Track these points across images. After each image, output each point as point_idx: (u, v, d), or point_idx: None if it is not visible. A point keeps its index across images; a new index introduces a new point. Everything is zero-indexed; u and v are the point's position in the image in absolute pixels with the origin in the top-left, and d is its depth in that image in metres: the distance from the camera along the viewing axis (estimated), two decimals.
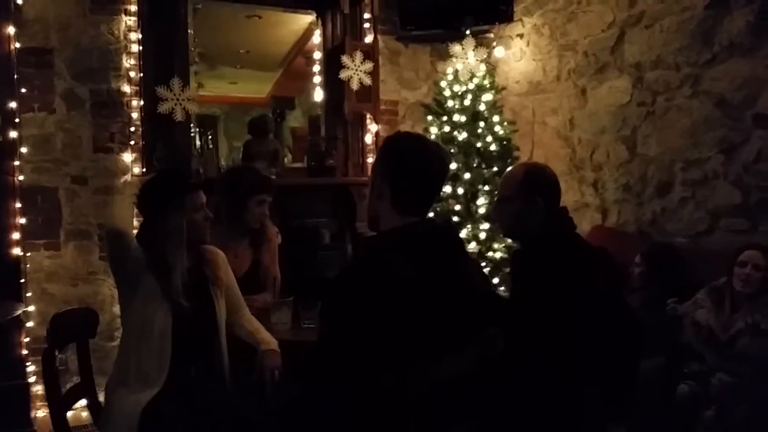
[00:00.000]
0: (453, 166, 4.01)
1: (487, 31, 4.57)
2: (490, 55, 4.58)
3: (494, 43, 4.66)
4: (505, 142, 4.12)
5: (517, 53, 4.73)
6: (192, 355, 2.26)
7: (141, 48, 4.03)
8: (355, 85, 4.36)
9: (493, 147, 4.03)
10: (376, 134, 4.60)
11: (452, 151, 4.13)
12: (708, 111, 3.52)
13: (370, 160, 4.67)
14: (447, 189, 4.05)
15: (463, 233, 3.96)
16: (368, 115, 4.65)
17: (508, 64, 4.80)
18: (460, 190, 4.03)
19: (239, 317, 2.48)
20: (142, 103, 4.01)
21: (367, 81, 4.38)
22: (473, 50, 4.13)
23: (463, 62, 4.11)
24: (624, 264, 3.41)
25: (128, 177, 4.10)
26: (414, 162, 1.74)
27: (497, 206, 2.39)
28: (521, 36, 4.69)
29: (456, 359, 1.76)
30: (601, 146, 4.15)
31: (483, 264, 3.94)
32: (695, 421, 2.63)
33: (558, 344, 1.92)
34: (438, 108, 4.17)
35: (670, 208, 3.76)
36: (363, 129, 4.61)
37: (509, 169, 2.39)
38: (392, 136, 1.87)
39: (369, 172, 4.68)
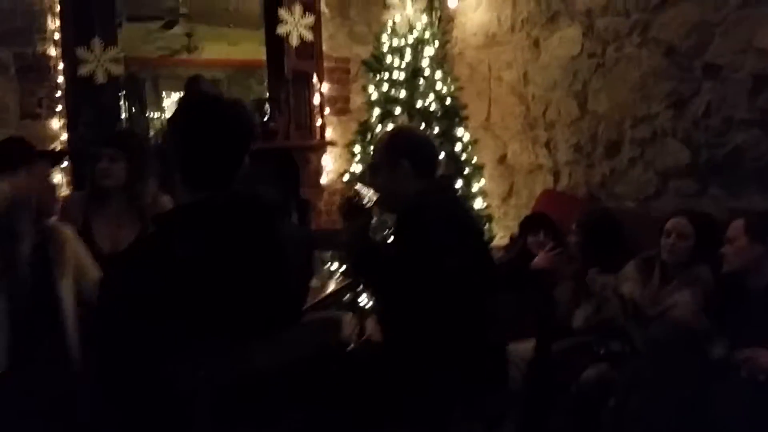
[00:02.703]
0: (389, 127, 3.74)
1: None
2: (442, 5, 4.26)
3: None
4: (449, 101, 3.83)
5: (473, 3, 4.38)
6: (33, 338, 2.12)
7: (61, 7, 3.83)
8: (294, 41, 4.10)
9: (433, 106, 3.74)
10: (322, 94, 4.35)
11: (396, 112, 3.86)
12: (657, 61, 3.18)
13: (320, 122, 4.45)
14: None
15: None
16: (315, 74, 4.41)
17: (466, 15, 4.46)
18: None
19: None
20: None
21: (309, 36, 4.12)
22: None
23: (401, 13, 3.80)
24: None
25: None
26: (196, 129, 1.51)
27: (369, 177, 2.19)
28: None
29: (271, 347, 1.57)
30: (553, 103, 3.83)
31: None
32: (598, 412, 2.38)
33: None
34: (376, 64, 3.88)
35: (619, 170, 3.46)
36: (309, 89, 4.36)
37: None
38: (180, 102, 1.66)
39: (317, 135, 4.48)
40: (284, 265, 1.64)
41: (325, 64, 4.50)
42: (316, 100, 4.40)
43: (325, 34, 4.47)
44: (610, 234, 3.03)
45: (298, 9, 4.01)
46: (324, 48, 4.46)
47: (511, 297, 2.17)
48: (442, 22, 4.43)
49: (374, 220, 2.46)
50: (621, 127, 3.41)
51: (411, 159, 2.03)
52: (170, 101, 5.51)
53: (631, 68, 3.32)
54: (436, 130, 3.76)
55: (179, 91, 4.96)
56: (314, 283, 2.73)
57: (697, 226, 2.57)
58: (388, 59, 3.80)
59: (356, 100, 4.47)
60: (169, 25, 5.45)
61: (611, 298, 2.73)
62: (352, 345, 2.64)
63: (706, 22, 2.92)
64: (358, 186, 2.16)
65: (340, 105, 4.55)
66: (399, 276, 1.95)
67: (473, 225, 2.05)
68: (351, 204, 2.17)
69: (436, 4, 4.40)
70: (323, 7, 4.44)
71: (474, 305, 1.88)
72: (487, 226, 3.98)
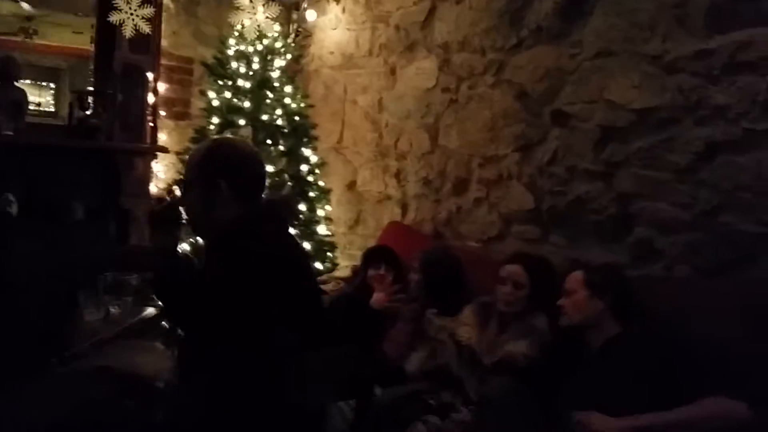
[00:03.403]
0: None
1: None
2: (299, 16, 4.02)
3: (304, 4, 4.09)
4: (297, 118, 3.56)
5: (333, 20, 4.18)
6: None
7: None
8: (128, 32, 3.63)
9: (279, 122, 3.46)
10: (155, 92, 3.89)
11: (241, 122, 3.52)
12: (508, 103, 3.13)
13: (152, 125, 3.98)
14: None
15: None
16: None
17: (324, 32, 4.24)
18: None
19: None
20: None
21: (145, 28, 3.66)
22: (263, 5, 3.50)
23: (251, 18, 3.49)
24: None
25: None
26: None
27: (182, 195, 1.85)
28: (338, 1, 4.14)
29: None
30: (406, 133, 3.70)
31: None
32: None
33: None
34: (219, 68, 3.53)
35: (465, 208, 3.37)
36: (141, 87, 3.89)
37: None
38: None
39: (146, 138, 4.00)
40: None
41: (166, 62, 4.06)
42: (150, 99, 3.93)
43: (167, 30, 4.04)
44: (450, 274, 2.90)
45: None
46: (164, 45, 4.02)
47: (331, 353, 1.91)
48: (299, 35, 4.20)
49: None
50: (469, 166, 3.34)
51: (230, 179, 1.72)
52: None
53: (482, 107, 3.25)
54: (281, 147, 3.48)
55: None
56: (113, 311, 2.31)
57: (533, 273, 2.49)
58: (234, 65, 3.46)
59: (198, 105, 4.07)
60: None
61: (447, 343, 2.58)
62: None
63: (559, 68, 2.91)
64: (174, 194, 1.83)
65: (179, 108, 4.13)
66: (198, 312, 1.63)
67: (298, 262, 1.78)
68: (160, 215, 1.83)
69: (294, 15, 4.17)
70: (168, 2, 4.02)
71: (278, 360, 1.60)
72: (330, 254, 3.75)
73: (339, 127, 4.15)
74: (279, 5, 3.56)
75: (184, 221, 1.84)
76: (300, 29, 4.17)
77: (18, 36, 4.90)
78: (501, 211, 3.19)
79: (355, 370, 2.06)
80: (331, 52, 4.19)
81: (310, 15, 4.11)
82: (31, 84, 4.18)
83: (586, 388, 2.13)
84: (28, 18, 4.98)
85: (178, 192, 1.85)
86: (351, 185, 4.06)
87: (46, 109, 4.07)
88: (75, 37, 4.88)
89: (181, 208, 1.83)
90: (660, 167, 2.57)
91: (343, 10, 4.10)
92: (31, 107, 3.91)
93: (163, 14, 4.00)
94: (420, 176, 3.60)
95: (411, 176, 3.67)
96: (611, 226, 2.73)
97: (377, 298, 2.93)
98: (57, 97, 4.18)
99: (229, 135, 3.39)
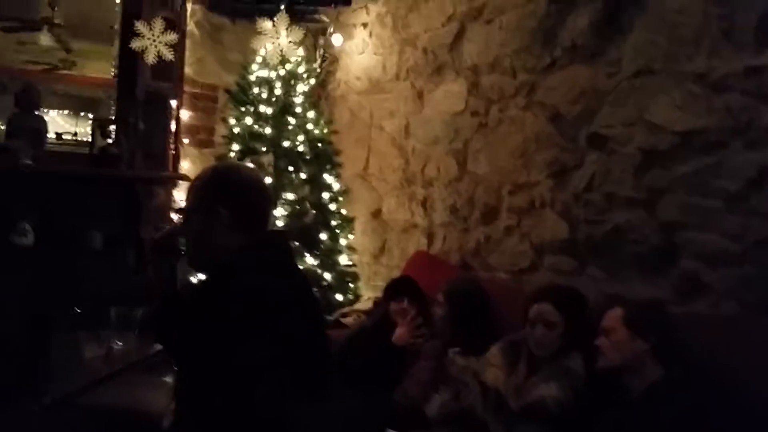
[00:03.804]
0: (250, 166, 3.29)
1: (316, 12, 3.86)
2: (326, 42, 3.93)
3: (330, 29, 4.00)
4: (320, 144, 3.44)
5: (360, 45, 4.07)
6: None
7: None
8: (151, 59, 3.58)
9: (301, 148, 3.33)
10: (178, 120, 3.82)
11: (263, 148, 3.42)
12: (541, 126, 2.95)
13: (174, 153, 3.92)
14: None
15: None
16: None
17: (351, 57, 4.14)
18: None
19: None
20: None
21: (168, 56, 3.61)
22: (287, 29, 3.41)
23: (274, 42, 3.40)
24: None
25: None
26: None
27: (182, 223, 1.72)
28: (365, 25, 4.04)
29: None
30: (433, 159, 3.54)
31: None
32: None
33: None
34: (241, 95, 3.44)
35: (494, 238, 3.17)
36: (166, 114, 3.84)
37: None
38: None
39: (170, 167, 3.94)
40: None
41: (190, 89, 4.01)
42: (173, 127, 3.87)
43: (192, 58, 4.00)
44: (478, 307, 2.70)
45: (158, 24, 3.51)
46: (189, 72, 3.98)
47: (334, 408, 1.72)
48: (326, 61, 4.11)
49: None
50: (499, 193, 3.15)
51: (232, 207, 1.58)
52: (49, 118, 4.84)
53: (513, 131, 3.07)
54: (303, 175, 3.35)
55: (59, 108, 4.29)
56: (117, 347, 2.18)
57: (566, 310, 2.27)
58: (255, 90, 3.37)
59: (222, 133, 3.99)
60: (32, 29, 4.74)
61: (471, 385, 2.37)
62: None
63: (595, 89, 2.72)
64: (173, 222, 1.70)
65: (203, 136, 4.05)
66: (193, 349, 1.48)
67: (304, 299, 1.61)
68: (158, 245, 1.70)
69: (321, 41, 4.08)
70: (193, 28, 3.98)
71: (269, 406, 1.43)
72: (352, 285, 3.59)
73: (365, 154, 4.02)
74: (303, 30, 3.46)
75: (183, 251, 1.71)
76: (326, 55, 4.08)
77: (59, 68, 4.96)
78: (533, 240, 2.98)
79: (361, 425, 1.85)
80: (358, 78, 4.08)
81: (337, 40, 4.02)
82: (69, 114, 4.19)
83: None
84: (67, 50, 5.06)
85: (177, 220, 1.71)
86: (376, 213, 3.91)
87: (83, 139, 4.02)
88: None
89: (180, 238, 1.71)
90: (707, 194, 2.35)
91: (370, 35, 3.99)
92: (68, 137, 3.90)
93: (188, 41, 3.97)
94: (447, 204, 3.43)
95: (438, 204, 3.49)
96: (653, 258, 2.51)
97: (399, 334, 2.75)
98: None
99: (249, 163, 3.29)
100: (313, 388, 1.54)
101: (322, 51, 4.05)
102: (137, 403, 2.20)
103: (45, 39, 5.00)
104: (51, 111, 4.82)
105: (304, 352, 1.51)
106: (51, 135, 3.77)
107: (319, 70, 4.08)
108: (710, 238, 2.35)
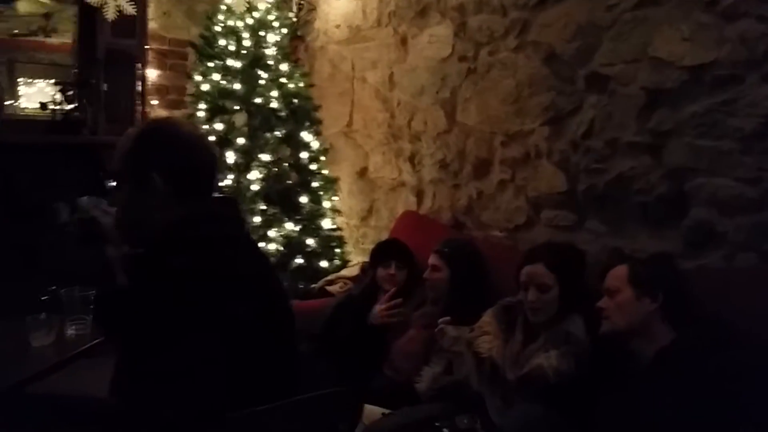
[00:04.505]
0: (219, 126, 3.03)
1: None
2: None
3: None
4: (296, 100, 3.18)
5: None
6: None
7: None
8: (111, 14, 3.29)
9: (275, 104, 3.07)
10: (143, 80, 3.55)
11: (236, 107, 3.15)
12: (535, 69, 2.68)
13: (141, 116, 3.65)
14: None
15: None
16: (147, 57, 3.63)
17: (329, 4, 3.84)
18: (231, 159, 3.05)
19: None
20: None
21: (129, 9, 3.32)
22: None
23: None
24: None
25: None
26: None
27: (113, 193, 1.49)
28: None
29: None
30: (420, 111, 3.27)
31: None
32: None
33: None
34: (207, 48, 3.16)
35: (487, 193, 2.94)
36: (131, 74, 3.57)
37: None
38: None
39: None
40: None
41: (157, 46, 3.74)
42: (139, 88, 3.61)
43: (157, 11, 3.71)
44: (474, 271, 2.49)
45: None
46: (155, 27, 3.70)
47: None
48: (302, 9, 3.81)
49: None
50: (491, 144, 2.90)
51: (166, 172, 1.34)
52: (28, 90, 4.55)
53: (505, 75, 2.81)
54: (279, 134, 3.09)
55: (39, 77, 4.00)
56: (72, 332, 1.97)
57: (560, 270, 2.05)
58: (222, 42, 3.09)
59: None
60: None
61: (465, 356, 2.17)
62: None
63: (594, 24, 2.45)
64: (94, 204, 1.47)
65: (173, 96, 3.79)
66: (128, 337, 1.27)
67: (259, 280, 1.38)
68: (84, 227, 1.48)
69: None
70: None
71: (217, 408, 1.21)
72: (338, 250, 3.37)
73: (348, 109, 3.75)
74: None
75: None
76: (302, 1, 3.78)
77: (38, 35, 4.66)
78: (529, 194, 2.74)
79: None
80: (337, 26, 3.79)
81: None
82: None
83: (634, 411, 1.72)
84: (46, 16, 4.75)
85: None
86: (362, 172, 3.66)
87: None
88: None
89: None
90: (719, 135, 2.11)
91: None
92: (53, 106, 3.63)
93: None
94: (436, 159, 3.18)
95: (426, 159, 3.25)
96: (661, 209, 2.27)
97: (374, 313, 2.54)
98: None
99: (218, 123, 3.04)
100: (274, 383, 1.32)
101: None
102: (86, 389, 1.99)
103: (23, 5, 4.70)
104: (37, 81, 4.57)
105: (259, 343, 1.29)
106: (35, 105, 3.49)
107: (295, 19, 3.78)
108: (723, 183, 2.11)
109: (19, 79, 4.64)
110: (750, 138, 2.04)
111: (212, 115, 3.07)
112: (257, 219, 3.01)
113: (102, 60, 3.38)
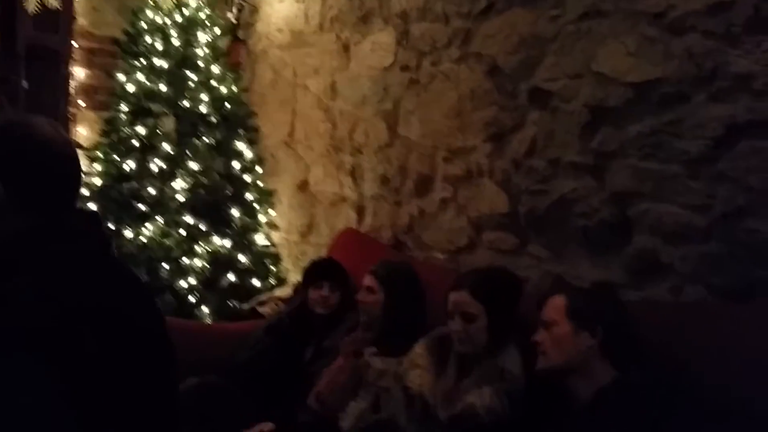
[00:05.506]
0: (142, 131, 2.82)
1: None
2: None
3: None
4: (228, 105, 2.98)
5: None
6: None
7: None
8: (31, 6, 3.06)
9: (204, 109, 2.87)
10: (66, 79, 3.31)
11: (165, 110, 2.94)
12: (477, 81, 2.53)
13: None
14: (131, 164, 2.83)
15: (150, 228, 2.77)
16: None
17: (272, 6, 3.65)
18: (155, 167, 2.83)
19: None
20: None
21: (53, 2, 3.09)
22: None
23: None
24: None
25: None
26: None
27: None
28: None
29: None
30: (361, 122, 3.10)
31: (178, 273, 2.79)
32: None
33: None
34: (131, 45, 2.94)
35: (429, 212, 2.77)
36: (56, 72, 3.32)
37: None
38: None
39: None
40: None
41: (86, 43, 3.49)
42: (69, 87, 3.37)
43: (87, 6, 3.47)
44: (410, 296, 2.32)
45: None
46: (84, 23, 3.46)
47: None
48: (242, 9, 3.62)
49: None
50: (434, 160, 2.74)
51: (9, 177, 1.14)
52: None
53: (447, 87, 2.66)
54: (206, 140, 2.89)
55: None
56: None
57: (486, 298, 1.90)
58: (148, 40, 2.88)
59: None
60: None
61: (393, 391, 2.00)
62: None
63: (537, 35, 2.31)
64: None
65: (102, 97, 3.54)
66: None
67: (123, 309, 1.17)
68: None
69: None
70: None
71: None
72: (273, 268, 3.17)
73: (290, 118, 3.56)
74: None
75: None
76: (243, 3, 3.58)
77: None
78: (470, 215, 2.59)
79: None
80: (279, 30, 3.60)
81: None
82: None
83: None
84: None
85: None
86: (303, 186, 3.47)
87: None
88: None
89: None
90: (665, 158, 1.97)
91: None
92: None
93: None
94: (377, 173, 3.01)
95: (368, 174, 3.08)
96: (604, 234, 2.13)
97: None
98: None
99: (141, 127, 2.82)
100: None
101: None
102: None
103: None
104: None
105: (120, 386, 1.09)
106: None
107: (235, 21, 3.59)
108: (670, 210, 1.98)
109: None
110: (697, 162, 1.92)
111: (134, 117, 2.85)
112: (182, 232, 2.80)
113: (22, 55, 3.12)
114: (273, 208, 3.27)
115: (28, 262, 1.09)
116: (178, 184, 2.80)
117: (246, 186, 3.04)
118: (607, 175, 2.11)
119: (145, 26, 2.92)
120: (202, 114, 2.88)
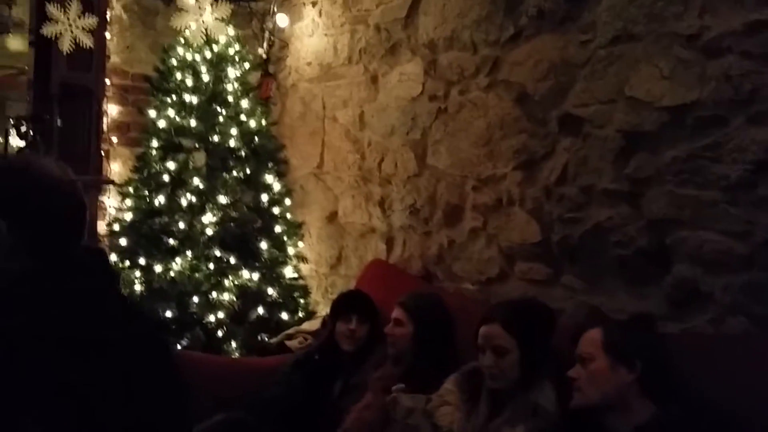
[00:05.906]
0: (172, 166, 2.84)
1: None
2: (273, 24, 3.50)
3: (273, 7, 3.54)
4: (257, 139, 2.99)
5: (309, 26, 3.61)
6: None
7: None
8: (65, 46, 3.14)
9: (233, 143, 2.88)
10: (99, 117, 3.37)
11: (196, 145, 2.96)
12: (506, 109, 2.49)
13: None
14: (161, 199, 2.85)
15: (179, 262, 2.77)
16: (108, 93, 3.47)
17: (301, 41, 3.69)
18: (184, 201, 2.84)
19: None
20: None
21: (87, 42, 3.17)
22: (212, 4, 2.95)
23: (197, 20, 2.94)
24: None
25: None
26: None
27: None
28: (314, 3, 3.58)
29: None
30: (390, 152, 3.08)
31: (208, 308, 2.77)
32: None
33: None
34: (162, 81, 2.98)
35: (459, 242, 2.72)
36: (89, 109, 3.39)
37: None
38: None
39: (97, 170, 3.49)
40: None
41: (120, 81, 3.56)
42: (102, 124, 3.43)
43: (120, 45, 3.55)
44: (441, 329, 2.26)
45: (74, 7, 3.07)
46: (117, 61, 3.54)
47: None
48: (273, 45, 3.66)
49: None
50: (463, 189, 2.69)
51: (11, 219, 1.14)
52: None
53: (476, 116, 2.62)
54: (235, 173, 2.90)
55: None
56: None
57: (519, 331, 1.83)
58: (179, 76, 2.92)
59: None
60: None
61: (422, 429, 1.92)
62: None
63: (567, 61, 2.27)
64: None
65: (135, 134, 3.59)
66: None
67: (132, 346, 1.15)
68: None
69: (269, 24, 3.63)
70: (120, 12, 3.53)
71: None
72: (302, 300, 3.14)
73: (319, 150, 3.56)
74: (231, 5, 3.01)
75: None
76: (273, 38, 3.62)
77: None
78: (501, 244, 2.53)
79: None
80: (309, 63, 3.62)
81: (282, 20, 3.56)
82: None
83: None
84: None
85: None
86: (332, 217, 3.45)
87: None
88: None
89: None
90: (703, 183, 1.90)
91: (320, 14, 3.53)
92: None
93: (115, 27, 3.53)
94: (406, 204, 2.97)
95: (397, 204, 3.04)
96: (641, 264, 2.05)
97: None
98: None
99: (171, 162, 2.84)
100: None
101: (268, 34, 3.60)
102: None
103: (13, 42, 4.56)
104: None
105: (123, 420, 1.06)
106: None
107: (265, 56, 3.63)
108: (709, 238, 1.90)
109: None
110: (736, 187, 1.84)
111: (165, 152, 2.88)
112: (211, 266, 2.79)
113: (56, 94, 3.19)
114: (302, 240, 3.25)
115: (31, 300, 1.09)
116: (207, 218, 2.80)
117: (275, 218, 3.03)
118: (643, 202, 2.04)
119: (175, 63, 2.96)
120: (231, 148, 2.89)
